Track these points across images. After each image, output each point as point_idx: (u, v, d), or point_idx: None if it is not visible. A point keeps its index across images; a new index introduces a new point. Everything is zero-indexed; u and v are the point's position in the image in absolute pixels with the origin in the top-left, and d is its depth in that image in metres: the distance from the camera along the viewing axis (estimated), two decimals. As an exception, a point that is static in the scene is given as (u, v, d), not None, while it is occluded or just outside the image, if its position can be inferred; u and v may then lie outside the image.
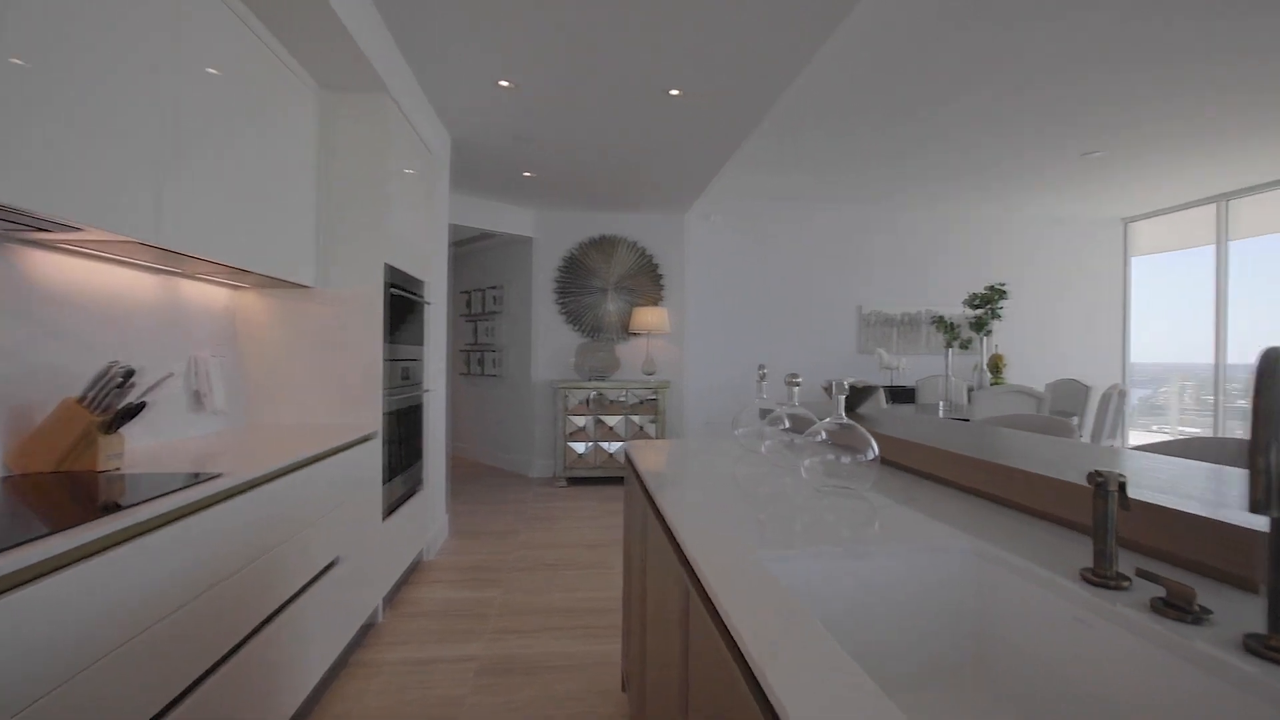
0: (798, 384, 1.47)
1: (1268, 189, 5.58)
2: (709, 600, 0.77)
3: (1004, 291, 4.48)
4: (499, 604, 2.61)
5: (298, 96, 2.21)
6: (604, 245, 5.50)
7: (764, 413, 1.76)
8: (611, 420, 5.07)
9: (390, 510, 2.52)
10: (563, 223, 5.47)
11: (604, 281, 5.50)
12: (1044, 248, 6.93)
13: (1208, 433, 6.08)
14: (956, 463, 1.22)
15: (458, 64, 2.71)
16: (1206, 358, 6.29)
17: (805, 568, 0.85)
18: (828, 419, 1.24)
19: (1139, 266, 7.00)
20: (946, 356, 4.70)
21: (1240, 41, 2.96)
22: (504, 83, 2.87)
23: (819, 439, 1.23)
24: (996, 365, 6.73)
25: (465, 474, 5.41)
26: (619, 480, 5.21)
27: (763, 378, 1.73)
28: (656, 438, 5.10)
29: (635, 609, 1.53)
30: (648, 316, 5.23)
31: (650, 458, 1.62)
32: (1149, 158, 4.92)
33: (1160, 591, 0.71)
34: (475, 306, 6.04)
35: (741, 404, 6.61)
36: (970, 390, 4.33)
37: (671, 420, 5.47)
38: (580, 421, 5.02)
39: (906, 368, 6.55)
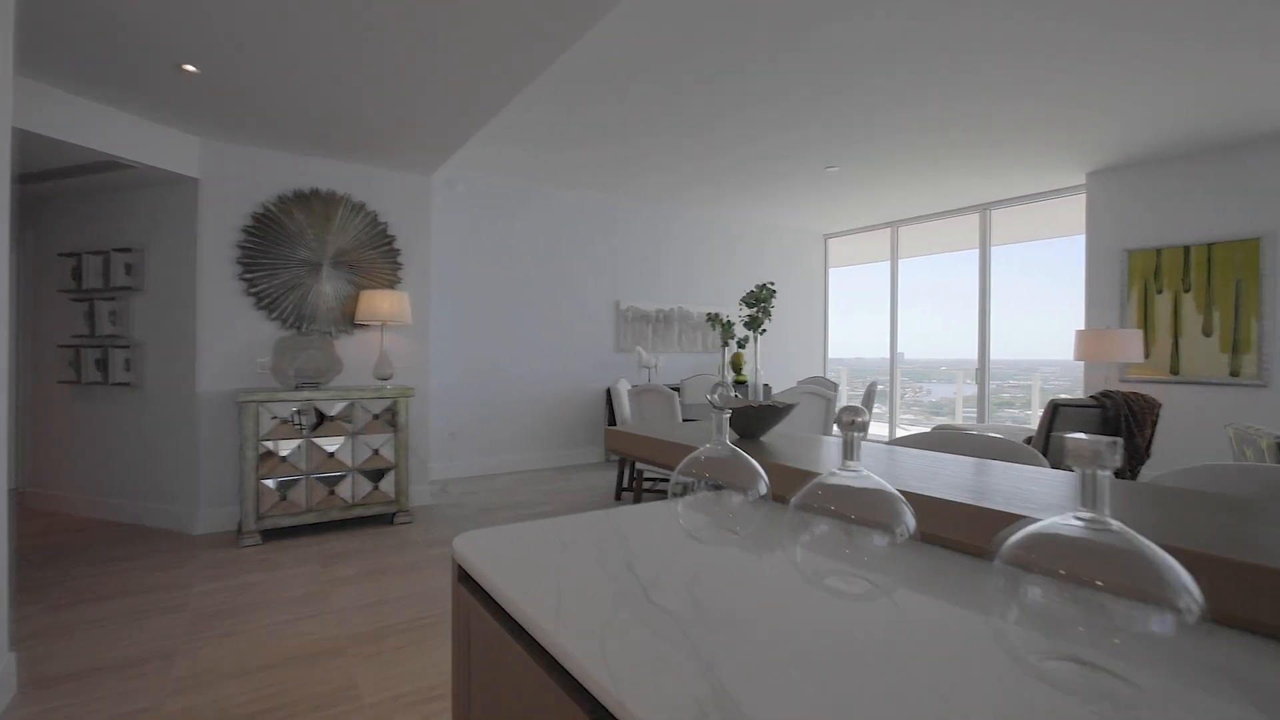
0: (859, 428, 0.76)
1: (925, 220, 6.87)
2: None
3: (774, 290, 4.47)
4: None
5: None
6: (317, 203, 4.02)
7: (707, 466, 1.00)
8: (331, 443, 3.69)
9: None
10: (252, 162, 3.82)
11: (316, 253, 4.02)
12: (776, 254, 7.56)
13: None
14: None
15: None
16: (883, 353, 7.59)
17: None
18: (1082, 513, 0.55)
19: (835, 276, 8.15)
20: (723, 356, 4.54)
21: (922, 89, 3.57)
22: None
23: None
24: (738, 364, 7.10)
25: (69, 545, 3.40)
26: (347, 525, 3.84)
27: (723, 409, 0.97)
28: (396, 462, 3.89)
29: None
30: (381, 303, 3.97)
31: (563, 612, 0.72)
32: (858, 181, 5.55)
33: None
34: (90, 278, 3.91)
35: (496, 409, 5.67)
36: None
37: (415, 436, 4.29)
38: (282, 448, 3.53)
39: (662, 366, 6.44)
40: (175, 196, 3.70)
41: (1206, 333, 4.70)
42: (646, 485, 4.47)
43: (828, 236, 7.98)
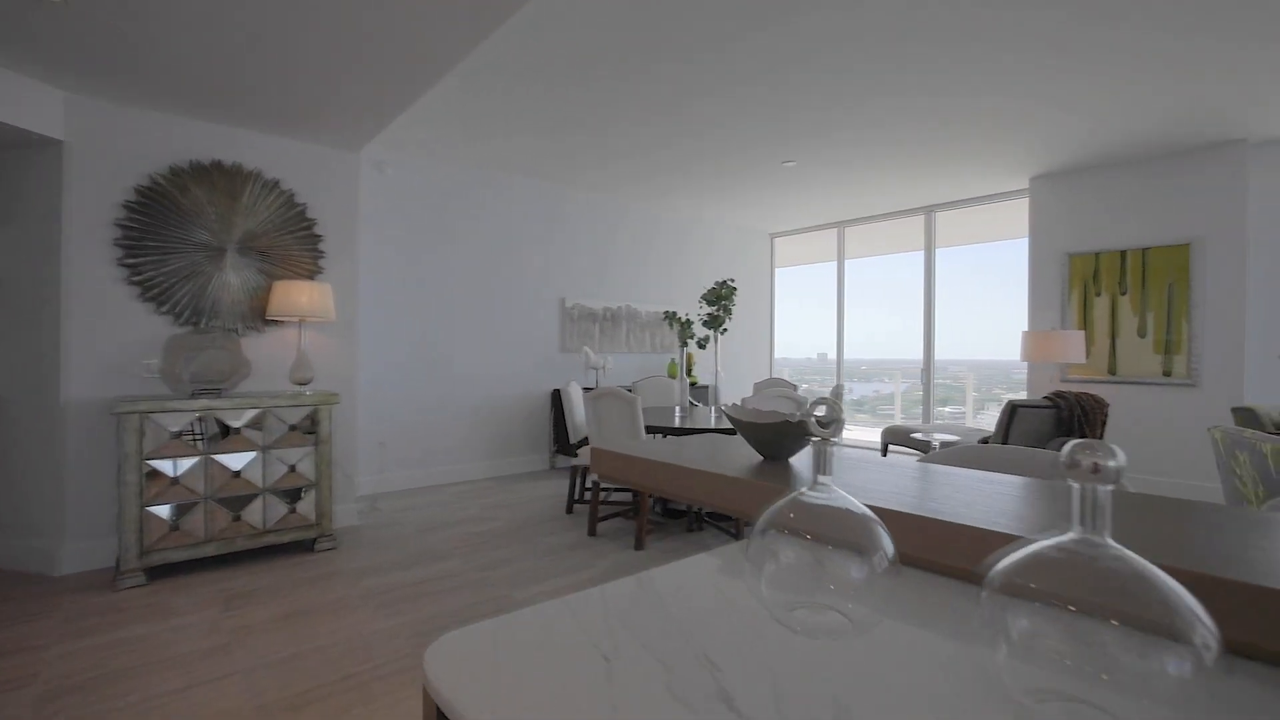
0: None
1: (871, 220, 6.88)
2: None
3: (734, 288, 4.26)
4: None
5: None
6: (220, 178, 3.43)
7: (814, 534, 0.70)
8: (237, 460, 3.14)
9: None
10: (136, 125, 3.20)
11: (219, 236, 3.44)
12: (723, 253, 7.38)
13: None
14: None
15: None
16: (809, 353, 7.60)
17: None
18: None
19: (780, 276, 8.07)
20: (682, 356, 4.27)
21: (876, 84, 3.46)
22: None
23: None
24: (689, 365, 6.87)
25: (-117, 593, 2.71)
26: (257, 555, 3.29)
27: (828, 438, 0.67)
28: (317, 479, 3.37)
29: None
30: (299, 295, 3.44)
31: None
32: (807, 180, 5.43)
33: None
34: (-84, 261, 3.16)
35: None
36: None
37: (340, 448, 3.77)
38: (174, 468, 2.96)
39: (610, 367, 6.12)
40: (31, 163, 3.04)
41: (1141, 334, 4.85)
42: (602, 497, 4.13)
43: (774, 236, 7.90)
